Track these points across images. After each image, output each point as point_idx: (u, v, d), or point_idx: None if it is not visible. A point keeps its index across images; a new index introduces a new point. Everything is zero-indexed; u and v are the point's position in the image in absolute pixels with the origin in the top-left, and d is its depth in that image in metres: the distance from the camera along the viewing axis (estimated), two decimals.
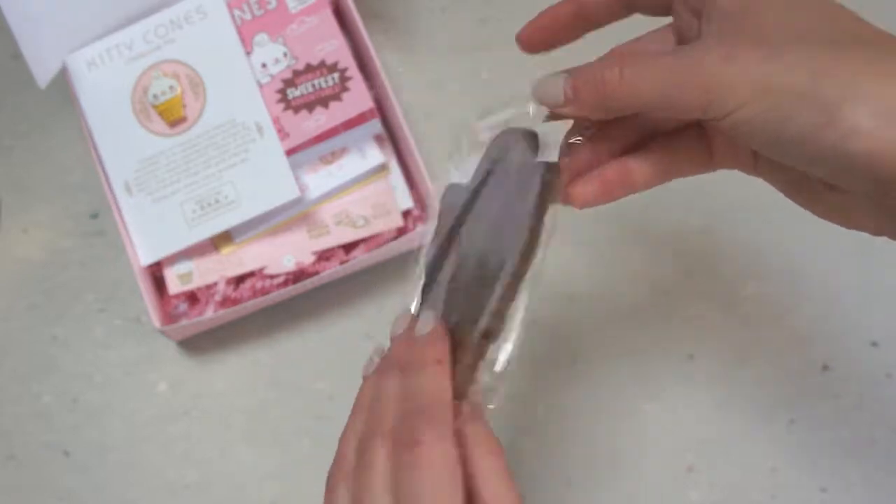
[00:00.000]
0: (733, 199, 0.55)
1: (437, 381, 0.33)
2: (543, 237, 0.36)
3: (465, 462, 0.31)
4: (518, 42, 0.40)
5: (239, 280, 0.51)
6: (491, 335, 0.35)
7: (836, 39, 0.32)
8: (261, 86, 0.52)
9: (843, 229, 0.55)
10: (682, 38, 0.37)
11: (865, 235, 0.54)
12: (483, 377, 0.35)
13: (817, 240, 0.55)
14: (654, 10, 0.39)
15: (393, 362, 0.34)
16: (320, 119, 0.51)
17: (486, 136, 0.40)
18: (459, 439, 0.31)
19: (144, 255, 0.50)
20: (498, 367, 0.35)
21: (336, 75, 0.52)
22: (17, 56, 0.51)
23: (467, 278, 0.36)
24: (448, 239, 0.39)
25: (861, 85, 0.30)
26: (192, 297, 0.51)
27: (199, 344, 0.53)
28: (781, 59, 0.31)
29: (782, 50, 0.31)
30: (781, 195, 0.57)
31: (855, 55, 0.31)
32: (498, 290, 0.35)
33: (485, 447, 0.32)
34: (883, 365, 0.53)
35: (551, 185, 0.37)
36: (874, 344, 0.53)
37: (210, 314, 0.50)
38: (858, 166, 0.30)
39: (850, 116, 0.30)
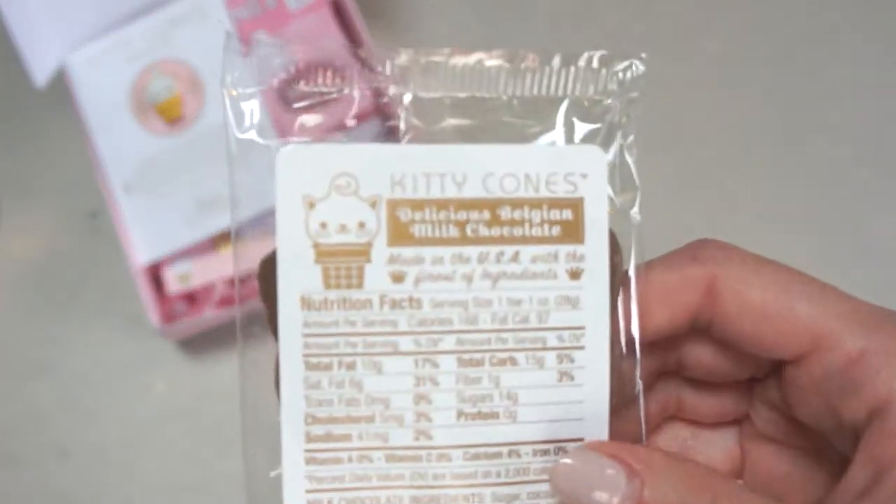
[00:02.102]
0: (732, 199, 0.55)
1: None
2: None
3: None
4: None
5: (239, 280, 0.51)
6: None
7: None
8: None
9: (840, 230, 0.56)
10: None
11: (865, 236, 0.55)
12: None
13: (817, 239, 0.55)
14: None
15: None
16: (320, 118, 0.51)
17: None
18: None
19: (143, 255, 0.50)
20: None
21: (335, 74, 0.52)
22: (15, 55, 0.51)
23: None
24: None
25: None
26: (191, 297, 0.51)
27: (198, 344, 0.53)
28: None
29: None
30: (779, 196, 0.57)
31: None
32: None
33: None
34: None
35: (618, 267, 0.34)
36: None
37: (209, 314, 0.50)
38: None
39: None
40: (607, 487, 0.21)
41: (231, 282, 0.51)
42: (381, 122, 0.53)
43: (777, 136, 0.56)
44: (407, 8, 0.58)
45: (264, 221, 0.51)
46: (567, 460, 0.23)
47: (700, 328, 0.25)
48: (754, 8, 0.58)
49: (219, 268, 0.51)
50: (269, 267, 0.28)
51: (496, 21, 0.58)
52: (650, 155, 0.56)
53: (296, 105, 0.51)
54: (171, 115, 0.51)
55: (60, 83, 0.52)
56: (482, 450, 0.25)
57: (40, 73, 0.51)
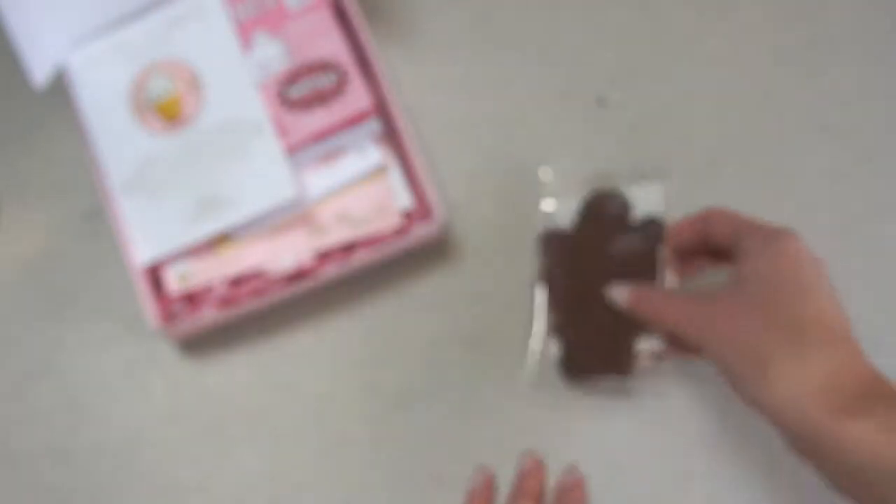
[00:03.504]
0: (732, 199, 0.55)
1: None
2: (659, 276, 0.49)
3: None
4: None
5: (238, 280, 0.51)
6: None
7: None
8: (260, 85, 0.51)
9: (840, 230, 0.56)
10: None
11: (865, 236, 0.55)
12: None
13: (817, 240, 0.55)
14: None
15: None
16: (320, 118, 0.51)
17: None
18: None
19: (143, 255, 0.50)
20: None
21: (335, 74, 0.52)
22: (15, 56, 0.51)
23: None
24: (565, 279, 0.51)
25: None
26: (190, 298, 0.51)
27: (197, 344, 0.53)
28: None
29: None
30: (779, 196, 0.57)
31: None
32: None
33: None
34: (882, 365, 0.53)
35: (662, 234, 0.50)
36: (873, 344, 0.53)
37: (209, 314, 0.50)
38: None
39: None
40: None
41: (230, 282, 0.51)
42: (381, 122, 0.53)
43: (777, 137, 0.56)
44: (407, 8, 0.58)
45: (263, 221, 0.51)
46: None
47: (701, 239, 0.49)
48: (754, 8, 0.58)
49: (218, 268, 0.51)
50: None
51: (495, 21, 0.58)
52: (651, 156, 0.57)
53: (296, 105, 0.51)
54: (170, 114, 0.51)
55: (60, 83, 0.52)
56: None
57: (40, 73, 0.51)
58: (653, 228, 0.50)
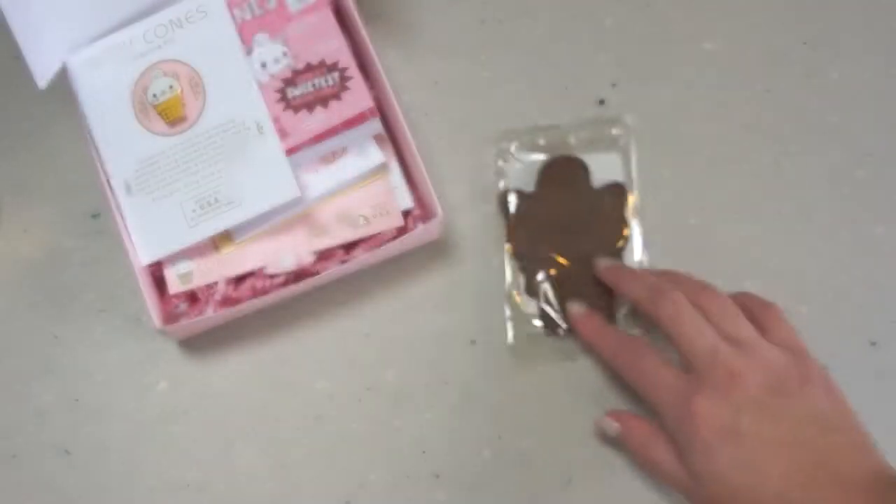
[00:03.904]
0: (732, 199, 0.55)
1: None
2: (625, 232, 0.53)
3: None
4: None
5: (239, 280, 0.51)
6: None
7: None
8: (261, 85, 0.52)
9: (840, 231, 0.56)
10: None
11: (864, 236, 0.55)
12: None
13: (817, 240, 0.55)
14: None
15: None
16: (320, 118, 0.51)
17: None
18: None
19: (144, 255, 0.50)
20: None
21: (336, 75, 0.52)
22: (17, 56, 0.51)
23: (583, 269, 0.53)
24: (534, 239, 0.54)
25: None
26: (192, 297, 0.51)
27: (199, 344, 0.53)
28: None
29: None
30: (778, 196, 0.57)
31: None
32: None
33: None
34: (882, 364, 0.53)
35: (625, 197, 0.53)
36: (873, 343, 0.53)
37: (210, 314, 0.50)
38: None
39: None
40: None
41: (232, 281, 0.51)
42: (382, 123, 0.53)
43: (777, 137, 0.56)
44: (407, 8, 0.58)
45: (264, 221, 0.51)
46: None
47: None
48: (754, 8, 0.58)
49: (219, 268, 0.51)
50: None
51: (495, 21, 0.58)
52: (651, 156, 0.57)
53: (297, 105, 0.52)
54: (172, 115, 0.52)
55: (62, 84, 0.52)
56: None
57: (42, 73, 0.51)
58: (616, 190, 0.53)
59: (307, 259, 0.51)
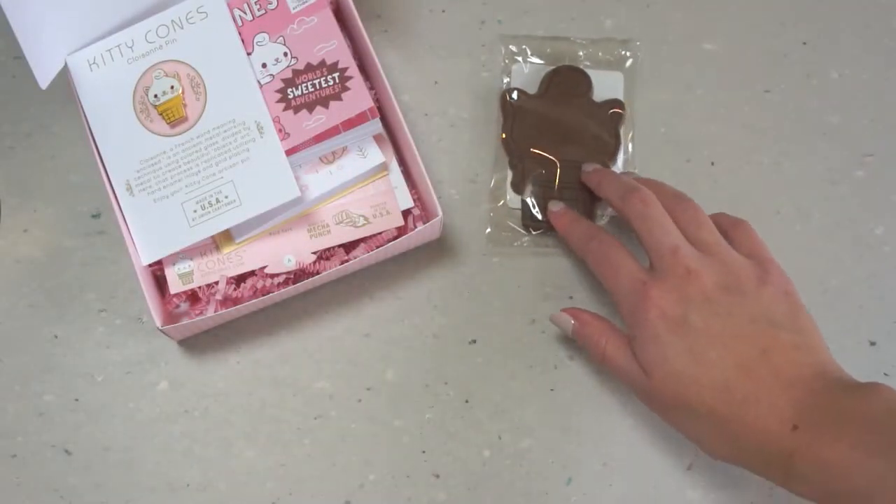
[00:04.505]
0: (732, 199, 0.55)
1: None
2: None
3: None
4: None
5: (239, 279, 0.51)
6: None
7: None
8: (261, 86, 0.52)
9: (840, 230, 0.56)
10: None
11: (864, 236, 0.55)
12: None
13: (817, 240, 0.55)
14: None
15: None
16: (320, 119, 0.51)
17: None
18: None
19: (145, 255, 0.51)
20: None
21: (336, 75, 0.52)
22: (18, 56, 0.51)
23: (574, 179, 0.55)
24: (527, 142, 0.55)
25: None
26: (192, 297, 0.51)
27: (199, 343, 0.53)
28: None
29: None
30: (778, 196, 0.57)
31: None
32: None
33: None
34: (882, 364, 0.53)
35: (623, 114, 0.55)
36: (873, 343, 0.53)
37: (211, 313, 0.50)
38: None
39: None
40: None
41: (232, 281, 0.51)
42: (382, 123, 0.53)
43: (777, 137, 0.56)
44: (407, 8, 0.58)
45: (265, 221, 0.51)
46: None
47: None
48: (754, 8, 0.58)
49: (220, 267, 0.51)
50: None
51: (495, 22, 0.58)
52: (651, 155, 0.57)
53: (297, 106, 0.52)
54: (173, 115, 0.52)
55: (63, 84, 0.52)
56: None
57: (43, 73, 0.51)
58: (615, 105, 0.55)
59: (307, 259, 0.51)
